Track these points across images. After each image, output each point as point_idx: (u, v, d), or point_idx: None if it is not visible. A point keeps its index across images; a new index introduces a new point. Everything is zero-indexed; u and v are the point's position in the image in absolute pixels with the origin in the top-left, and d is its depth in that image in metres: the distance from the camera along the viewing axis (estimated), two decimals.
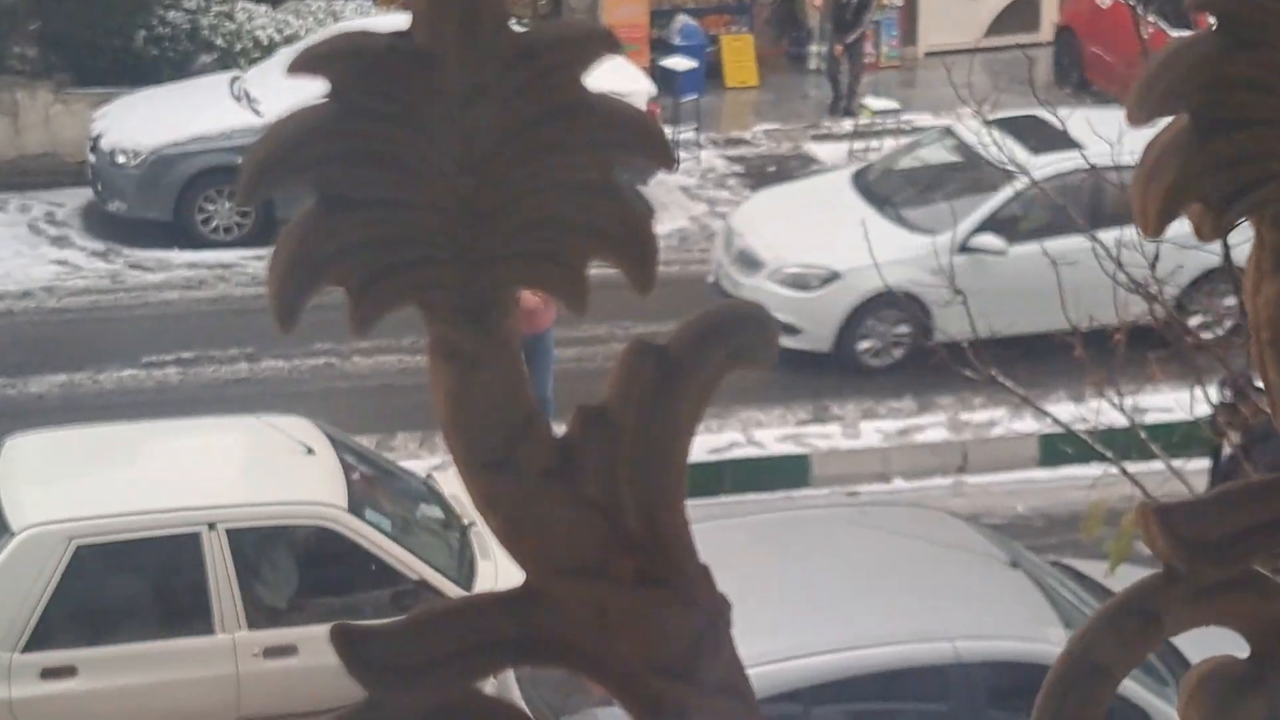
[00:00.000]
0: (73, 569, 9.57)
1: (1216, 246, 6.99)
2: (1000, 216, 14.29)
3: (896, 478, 13.57)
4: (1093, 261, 7.65)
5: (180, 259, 15.92)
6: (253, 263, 15.93)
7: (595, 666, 0.81)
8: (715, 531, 10.64)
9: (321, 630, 10.36)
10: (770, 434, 13.95)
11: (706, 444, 13.60)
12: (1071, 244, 13.58)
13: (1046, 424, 13.09)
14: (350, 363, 14.54)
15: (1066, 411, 9.84)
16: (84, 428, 10.93)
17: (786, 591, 9.55)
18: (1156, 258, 7.32)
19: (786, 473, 13.57)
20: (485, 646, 0.79)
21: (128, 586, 9.94)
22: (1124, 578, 9.93)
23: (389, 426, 13.29)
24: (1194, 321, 10.67)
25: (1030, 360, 10.83)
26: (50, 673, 9.55)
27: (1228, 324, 7.89)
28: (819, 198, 15.66)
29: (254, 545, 10.04)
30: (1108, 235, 7.64)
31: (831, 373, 14.44)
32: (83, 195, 16.87)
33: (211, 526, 9.73)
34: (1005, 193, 13.94)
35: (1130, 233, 7.24)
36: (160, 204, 15.99)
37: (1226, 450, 10.09)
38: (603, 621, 0.79)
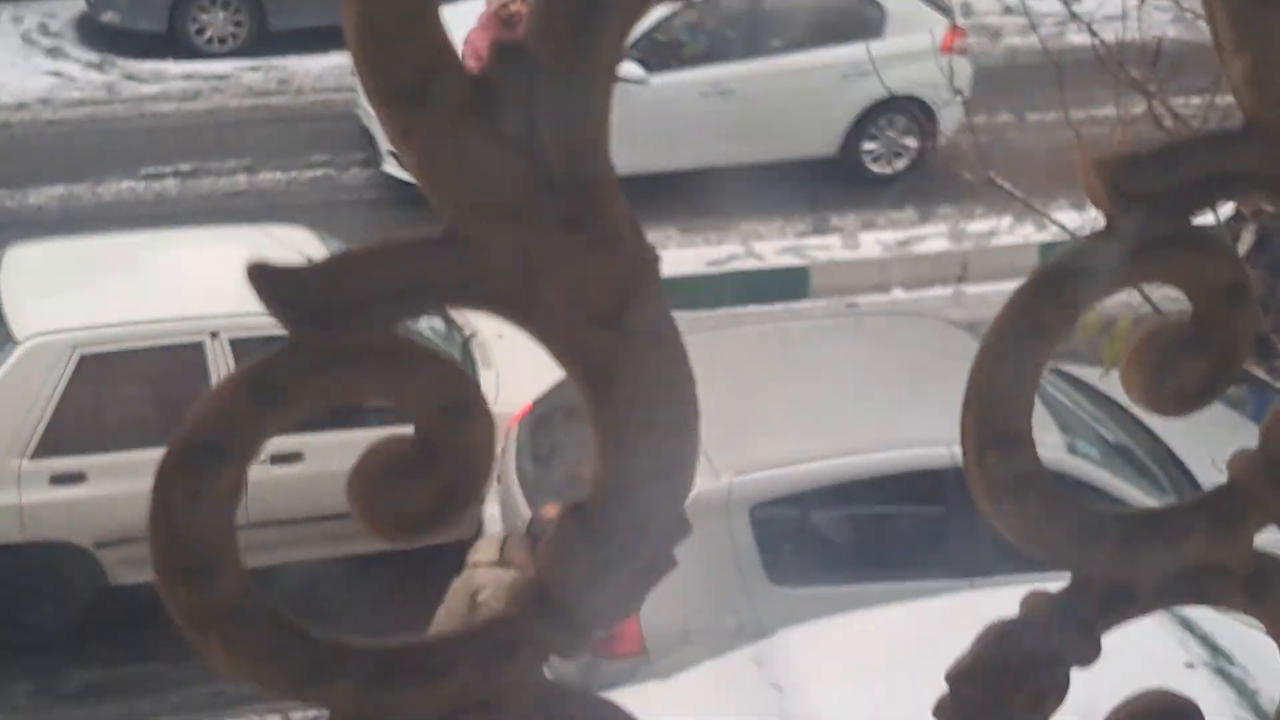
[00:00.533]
0: (78, 377, 9.62)
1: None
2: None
3: (896, 288, 13.55)
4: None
5: (176, 70, 15.78)
6: (248, 74, 15.80)
7: (521, 314, 0.80)
8: (714, 342, 10.67)
9: (327, 438, 10.49)
10: (770, 246, 13.92)
11: (705, 256, 13.57)
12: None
13: (1047, 232, 13.07)
14: (348, 175, 14.48)
15: (1069, 221, 9.81)
16: (86, 238, 10.92)
17: (785, 399, 9.60)
18: (1157, 54, 7.24)
19: (786, 284, 13.57)
20: (409, 289, 0.78)
21: (133, 395, 9.99)
22: (1118, 380, 10.01)
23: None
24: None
25: (1031, 166, 10.77)
26: (59, 479, 9.65)
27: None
28: None
29: (256, 354, 10.06)
30: (1080, 38, 7.55)
31: (832, 184, 14.38)
32: (76, 5, 16.68)
33: (214, 335, 9.77)
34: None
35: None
36: (154, 14, 15.81)
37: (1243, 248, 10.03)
38: (527, 267, 0.78)
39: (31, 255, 10.58)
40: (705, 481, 8.86)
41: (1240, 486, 0.91)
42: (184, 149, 14.60)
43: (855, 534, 9.57)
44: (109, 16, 16.12)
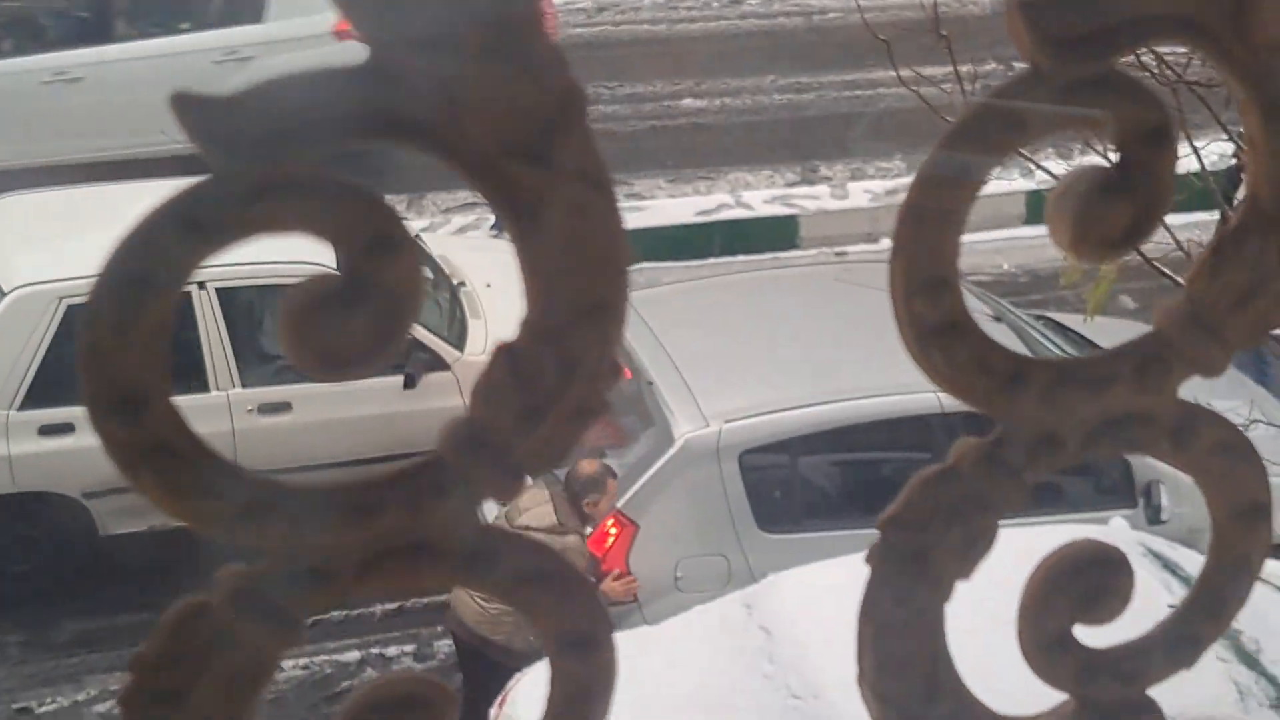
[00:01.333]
0: (65, 328, 9.61)
1: None
2: None
3: (884, 238, 13.55)
4: None
5: None
6: None
7: (444, 147, 0.80)
8: (704, 290, 10.70)
9: (315, 388, 10.47)
10: (759, 195, 13.92)
11: (695, 205, 13.56)
12: None
13: (1033, 180, 13.06)
14: None
15: (1056, 169, 9.79)
16: (71, 188, 10.89)
17: (774, 346, 9.61)
18: None
19: (775, 234, 13.57)
20: (329, 120, 0.78)
21: None
22: (1103, 327, 10.01)
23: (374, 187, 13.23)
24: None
25: None
26: (47, 429, 9.65)
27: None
28: None
29: (245, 304, 10.07)
30: None
31: (820, 133, 14.37)
32: None
33: (201, 285, 9.76)
34: None
35: None
36: None
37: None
38: (449, 98, 0.78)
39: (18, 206, 10.57)
40: (695, 428, 8.87)
41: (1165, 336, 0.92)
42: None
43: (844, 480, 9.59)
44: None
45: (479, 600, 8.14)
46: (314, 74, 0.78)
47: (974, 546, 0.93)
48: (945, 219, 0.88)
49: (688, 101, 14.93)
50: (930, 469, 0.94)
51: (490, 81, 0.79)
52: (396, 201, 13.08)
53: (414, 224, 12.25)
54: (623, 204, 0.83)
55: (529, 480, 0.89)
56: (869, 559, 0.95)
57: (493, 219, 13.10)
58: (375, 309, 0.81)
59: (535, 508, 8.22)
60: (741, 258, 13.14)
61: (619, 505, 8.69)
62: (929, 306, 0.90)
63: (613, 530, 8.71)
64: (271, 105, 0.77)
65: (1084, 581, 0.96)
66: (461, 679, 8.50)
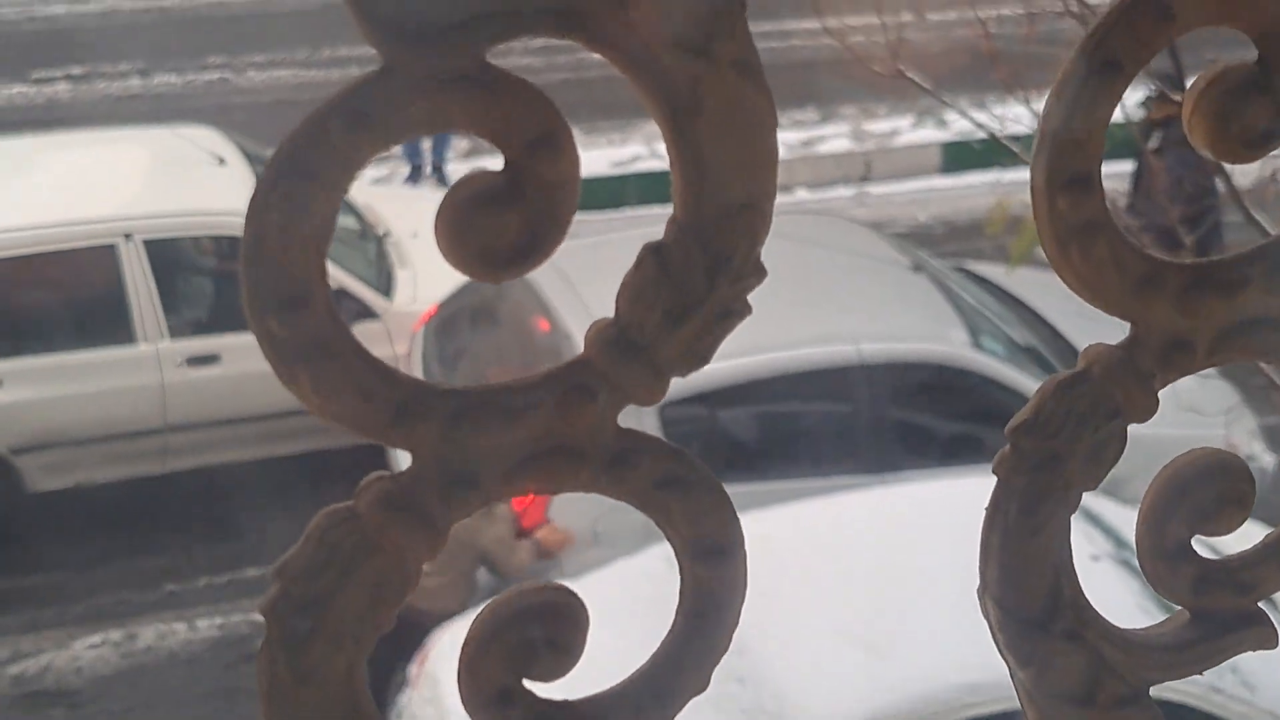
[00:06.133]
0: None
1: None
2: None
3: (799, 188, 13.59)
4: None
5: None
6: None
7: (607, 39, 0.79)
8: (622, 243, 10.68)
9: (243, 339, 10.38)
10: None
11: (609, 157, 13.53)
12: None
13: (949, 132, 13.13)
14: (244, 77, 14.29)
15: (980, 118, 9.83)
16: None
17: None
18: None
19: None
20: (501, 13, 0.77)
21: (47, 299, 9.86)
22: (1022, 278, 10.08)
23: None
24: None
25: (931, 65, 10.79)
26: None
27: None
28: None
29: (172, 256, 9.96)
30: None
31: None
32: None
33: (128, 237, 9.64)
34: None
35: None
36: None
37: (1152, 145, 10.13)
38: None
39: None
40: None
41: None
42: (75, 52, 14.35)
43: (763, 432, 9.62)
44: None
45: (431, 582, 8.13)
46: None
47: (1103, 453, 0.93)
48: (1093, 112, 0.87)
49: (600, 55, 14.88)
50: (1062, 374, 0.94)
51: None
52: None
53: None
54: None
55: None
56: (996, 468, 0.95)
57: (407, 171, 13.01)
58: (535, 206, 0.80)
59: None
60: (656, 209, 13.14)
61: None
62: (1071, 204, 0.89)
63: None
64: None
65: (1205, 491, 0.96)
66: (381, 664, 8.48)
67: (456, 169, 13.17)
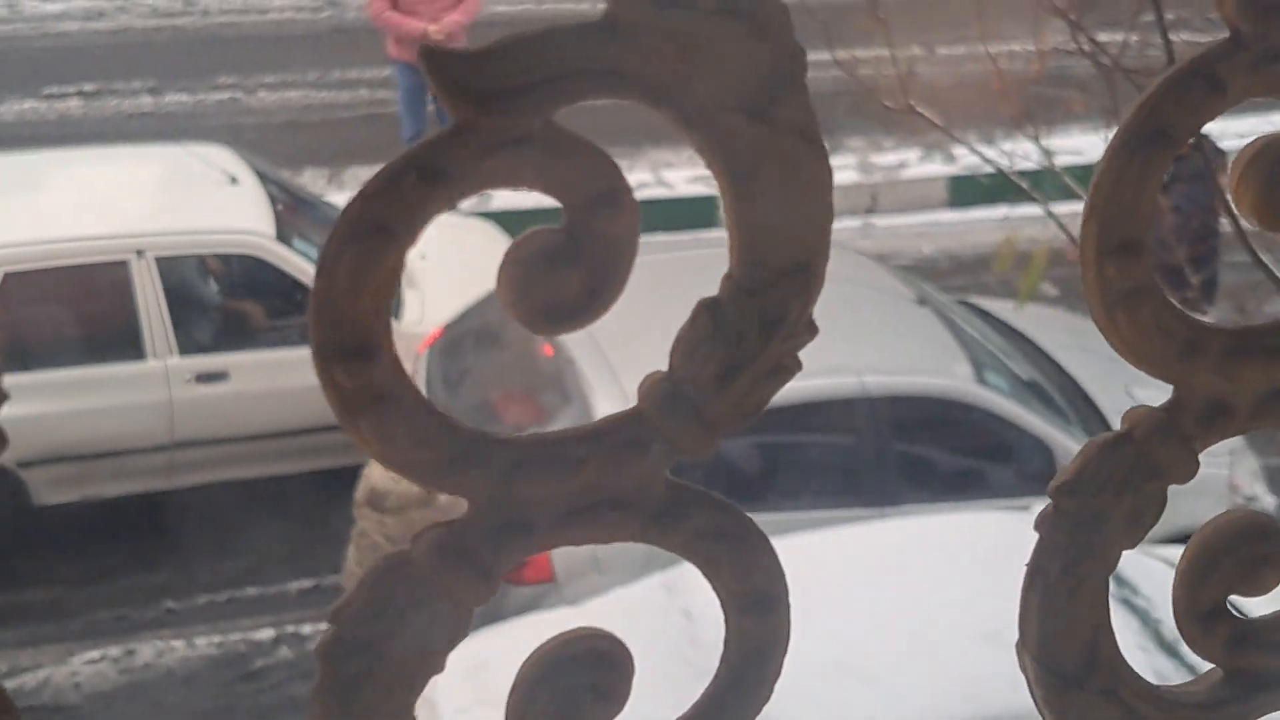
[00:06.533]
0: (2, 296, 9.49)
1: None
2: None
3: None
4: None
5: None
6: None
7: (670, 102, 0.81)
8: None
9: (252, 356, 10.42)
10: (679, 175, 13.95)
11: None
12: None
13: (956, 166, 13.16)
14: (255, 97, 14.33)
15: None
16: (9, 154, 10.73)
17: None
18: None
19: (695, 213, 13.60)
20: (571, 75, 0.79)
21: (58, 314, 9.87)
22: (1028, 314, 10.11)
23: (296, 162, 13.17)
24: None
25: (941, 99, 10.82)
26: None
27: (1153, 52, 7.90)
28: None
29: (183, 273, 10.00)
30: None
31: None
32: None
33: (140, 254, 9.67)
34: None
35: None
36: None
37: None
38: (682, 53, 0.79)
39: None
40: (616, 407, 8.86)
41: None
42: (88, 69, 14.40)
43: (766, 462, 9.62)
44: None
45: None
46: (555, 30, 0.78)
47: (1144, 514, 0.95)
48: (1142, 180, 0.89)
49: None
50: (1104, 435, 0.95)
51: (721, 38, 0.80)
52: (317, 177, 13.00)
53: (335, 197, 12.18)
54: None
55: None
56: (1038, 525, 0.96)
57: None
58: (595, 262, 0.82)
59: (389, 481, 8.25)
60: (661, 236, 13.16)
61: None
62: (1120, 270, 0.91)
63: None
64: (514, 60, 0.78)
65: (1242, 554, 0.97)
66: None
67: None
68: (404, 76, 12.67)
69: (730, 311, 0.86)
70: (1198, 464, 0.95)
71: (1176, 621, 0.99)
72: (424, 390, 9.60)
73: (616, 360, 9.00)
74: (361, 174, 13.45)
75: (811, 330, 0.88)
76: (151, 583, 9.66)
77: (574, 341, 9.14)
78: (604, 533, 0.87)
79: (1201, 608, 0.98)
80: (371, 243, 0.78)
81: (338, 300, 0.78)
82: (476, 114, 0.78)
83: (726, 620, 0.93)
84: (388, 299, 0.80)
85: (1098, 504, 0.94)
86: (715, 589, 0.92)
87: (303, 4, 15.80)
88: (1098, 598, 0.96)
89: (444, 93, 0.78)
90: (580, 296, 0.82)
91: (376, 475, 8.31)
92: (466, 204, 12.68)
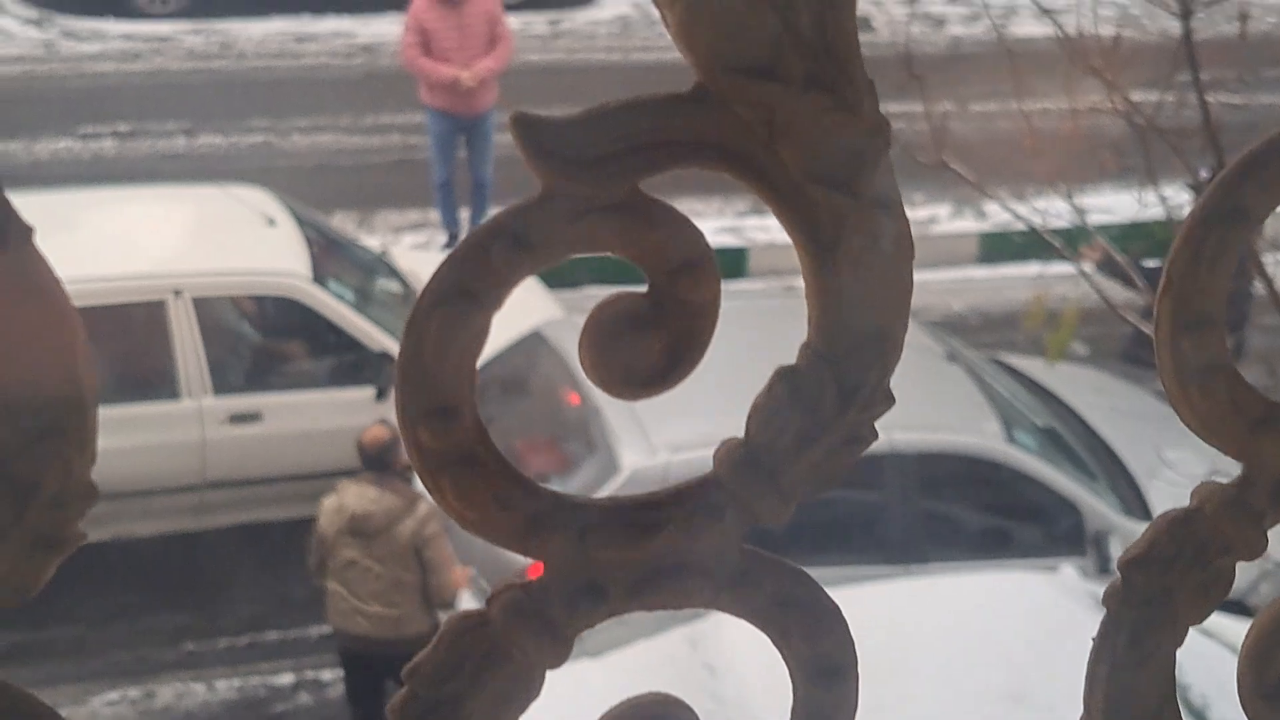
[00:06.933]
0: None
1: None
2: None
3: None
4: None
5: (115, 30, 15.66)
6: (189, 36, 15.69)
7: (756, 173, 0.82)
8: None
9: (285, 397, 10.44)
10: (709, 225, 13.98)
11: None
12: None
13: (986, 222, 13.17)
14: (288, 141, 14.41)
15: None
16: (45, 193, 10.79)
17: (724, 377, 9.58)
18: (1117, 43, 7.32)
19: (724, 264, 13.50)
20: (658, 145, 0.80)
21: (95, 352, 9.88)
22: (1056, 371, 10.08)
23: (327, 205, 13.23)
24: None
25: (973, 155, 10.83)
26: None
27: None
28: None
29: (219, 313, 10.04)
30: (1025, 29, 7.64)
31: None
32: None
33: (178, 293, 9.71)
34: None
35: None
36: None
37: None
38: (769, 125, 0.80)
39: None
40: (642, 459, 8.88)
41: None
42: (122, 109, 14.49)
43: (792, 517, 9.57)
44: None
45: (376, 606, 8.33)
46: (644, 100, 0.79)
47: (1212, 589, 0.95)
48: (1217, 258, 0.89)
49: None
50: (1175, 510, 0.96)
51: (809, 111, 0.80)
52: (347, 220, 13.05)
53: (368, 241, 12.23)
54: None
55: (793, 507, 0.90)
56: (1106, 599, 0.96)
57: (445, 238, 13.09)
58: (677, 329, 0.82)
59: (368, 503, 8.32)
60: None
61: None
62: (1195, 347, 0.91)
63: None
64: (603, 129, 0.79)
65: None
66: (351, 694, 8.58)
67: None
68: (435, 122, 12.74)
69: (808, 379, 0.86)
70: (1266, 540, 0.96)
71: (1241, 699, 0.99)
72: None
73: (643, 410, 8.99)
74: (392, 218, 13.50)
75: (889, 400, 0.88)
76: (172, 624, 9.67)
77: (600, 390, 9.14)
78: (678, 598, 0.88)
79: (1267, 686, 0.98)
80: (458, 307, 0.79)
81: (424, 362, 0.79)
82: (564, 181, 0.79)
83: (795, 688, 0.93)
84: (472, 362, 0.80)
85: (1167, 579, 0.95)
86: (784, 657, 0.92)
87: (337, 49, 15.89)
88: (1164, 671, 0.96)
89: (532, 159, 0.79)
90: (661, 363, 0.83)
91: (351, 502, 8.33)
92: None
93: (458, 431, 0.81)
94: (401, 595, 8.36)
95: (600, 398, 9.12)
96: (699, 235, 0.83)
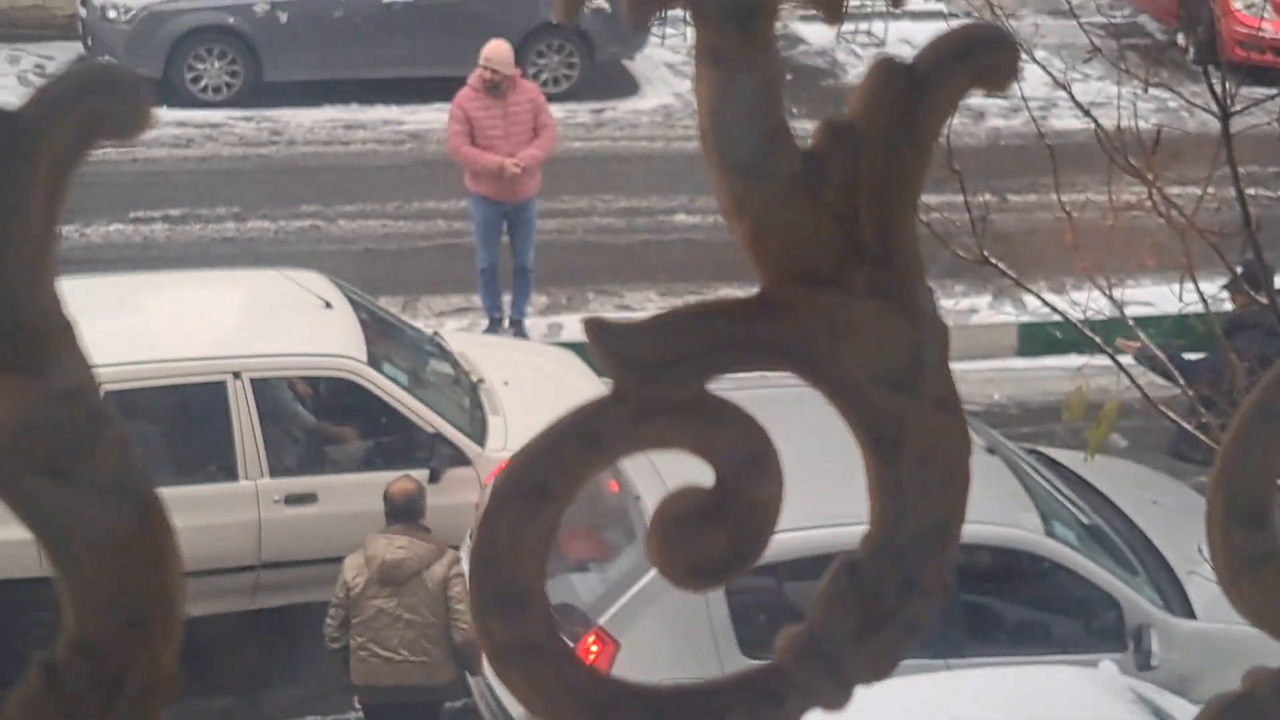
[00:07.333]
0: None
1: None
2: None
3: None
4: None
5: (169, 117, 15.80)
6: (241, 123, 15.86)
7: (821, 375, 0.85)
8: None
9: (340, 479, 10.48)
10: None
11: None
12: None
13: (1026, 313, 13.18)
14: (335, 225, 14.53)
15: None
16: (103, 275, 10.90)
17: None
18: (1157, 141, 7.34)
19: None
20: (724, 348, 0.83)
21: (155, 433, 9.98)
22: (1096, 465, 10.06)
23: (372, 290, 13.28)
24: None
25: (1012, 247, 10.87)
26: None
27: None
28: None
29: (277, 395, 10.13)
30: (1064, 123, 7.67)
31: None
32: (73, 49, 16.72)
33: (236, 375, 9.79)
34: None
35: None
36: (150, 61, 15.86)
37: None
38: (833, 331, 0.83)
39: None
40: None
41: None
42: (174, 194, 14.64)
43: None
44: (105, 61, 16.18)
45: (406, 654, 8.58)
46: (712, 305, 0.82)
47: None
48: (1270, 454, 0.92)
49: (681, 217, 15.05)
50: (1227, 694, 0.97)
51: (870, 316, 0.83)
52: (392, 304, 13.14)
53: (418, 323, 12.32)
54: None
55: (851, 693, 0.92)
56: None
57: (485, 324, 13.17)
58: (740, 523, 0.85)
59: (399, 551, 8.61)
60: (729, 376, 13.17)
61: (601, 622, 8.70)
62: (1246, 539, 0.93)
63: (594, 648, 8.67)
64: (672, 334, 0.82)
65: None
66: None
67: (534, 323, 13.31)
68: (479, 209, 12.82)
69: (869, 571, 0.89)
70: None
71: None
72: None
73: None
74: (435, 303, 13.57)
75: (947, 589, 0.91)
76: (212, 707, 9.66)
77: (639, 477, 9.16)
78: None
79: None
80: (530, 502, 0.82)
81: (496, 555, 0.82)
82: (634, 383, 0.82)
83: None
84: (544, 556, 0.83)
85: None
86: None
87: (384, 137, 16.03)
88: None
89: (604, 361, 0.82)
90: (725, 555, 0.85)
91: (381, 551, 8.58)
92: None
93: (527, 622, 0.84)
94: (431, 642, 8.60)
95: (639, 485, 9.13)
96: (762, 432, 0.86)
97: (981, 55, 0.81)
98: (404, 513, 8.69)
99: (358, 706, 9.27)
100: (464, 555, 9.43)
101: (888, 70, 0.81)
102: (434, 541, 8.68)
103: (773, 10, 0.78)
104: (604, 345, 0.81)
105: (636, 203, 15.25)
